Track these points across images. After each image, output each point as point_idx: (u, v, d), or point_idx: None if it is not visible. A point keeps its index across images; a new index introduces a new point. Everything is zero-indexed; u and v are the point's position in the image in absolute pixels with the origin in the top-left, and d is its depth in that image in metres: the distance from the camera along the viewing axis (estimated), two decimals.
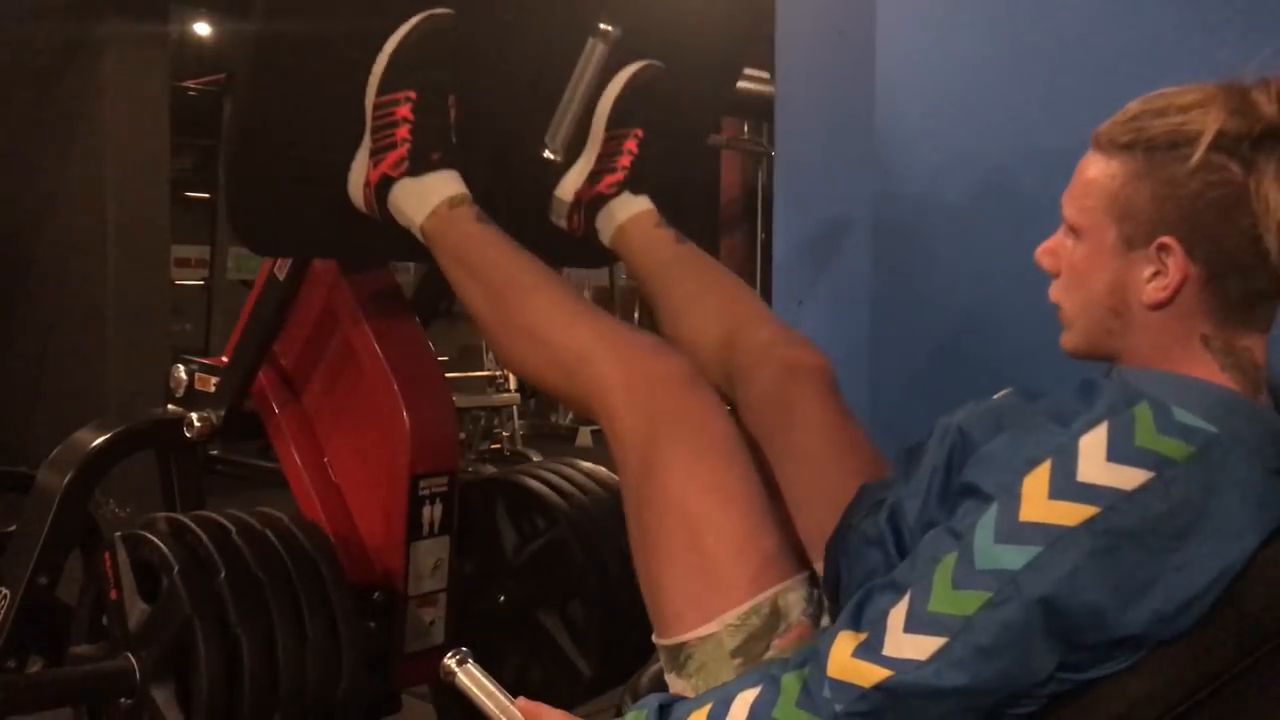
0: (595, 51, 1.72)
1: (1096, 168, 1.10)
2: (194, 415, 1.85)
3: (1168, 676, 1.00)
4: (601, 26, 1.71)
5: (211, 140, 6.33)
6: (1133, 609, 0.98)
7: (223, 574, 1.50)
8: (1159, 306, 1.07)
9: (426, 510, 1.77)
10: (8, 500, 1.95)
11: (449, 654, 1.29)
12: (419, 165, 1.54)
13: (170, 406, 1.94)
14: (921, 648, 0.99)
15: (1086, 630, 0.99)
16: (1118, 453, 0.99)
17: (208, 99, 6.46)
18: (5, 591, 1.74)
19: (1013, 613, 0.97)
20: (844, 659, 1.02)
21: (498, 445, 7.29)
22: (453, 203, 1.53)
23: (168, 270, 5.83)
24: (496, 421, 7.37)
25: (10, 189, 5.60)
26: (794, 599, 1.20)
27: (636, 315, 8.01)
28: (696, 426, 1.26)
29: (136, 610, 1.54)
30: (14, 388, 5.61)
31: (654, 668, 1.45)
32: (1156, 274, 1.06)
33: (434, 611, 1.83)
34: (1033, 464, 1.01)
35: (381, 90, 1.55)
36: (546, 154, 1.77)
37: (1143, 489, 0.98)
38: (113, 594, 1.56)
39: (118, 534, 1.59)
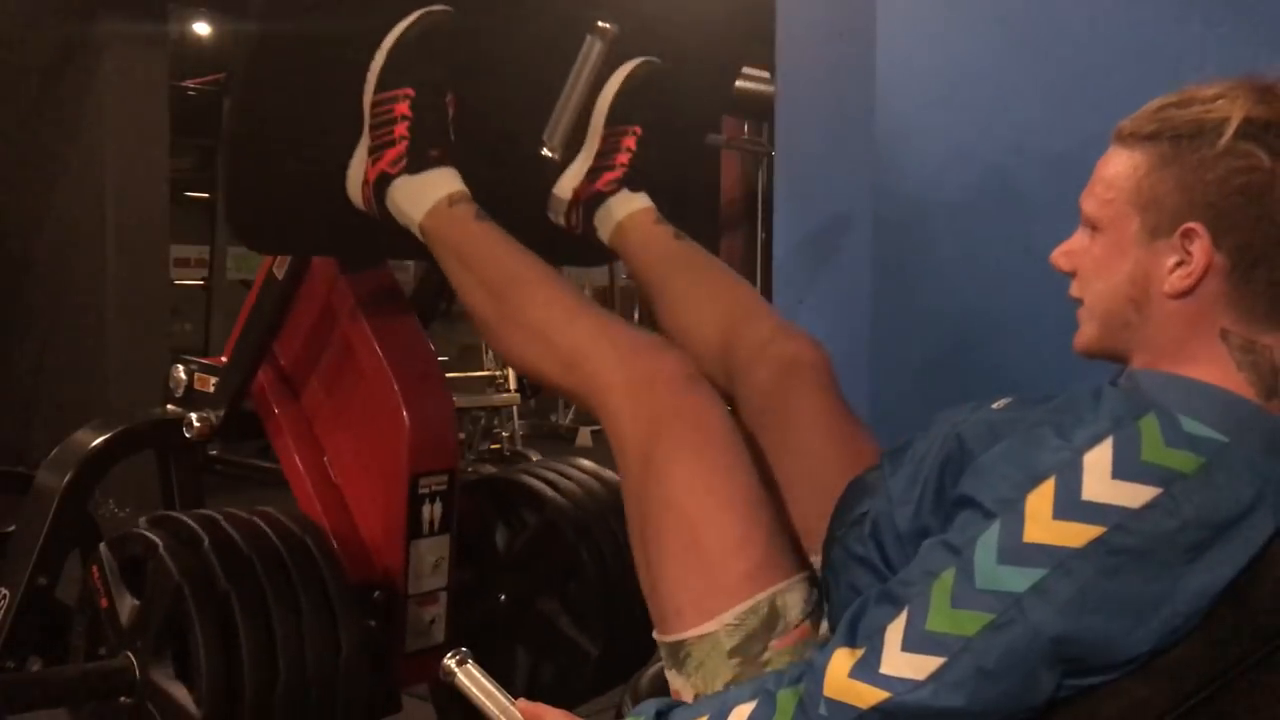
0: (593, 49, 1.71)
1: (1119, 161, 1.09)
2: (193, 415, 1.85)
3: (1169, 678, 0.99)
4: (599, 24, 1.70)
5: (211, 140, 6.33)
6: (1141, 629, 0.97)
7: (206, 542, 1.50)
8: (1181, 296, 1.05)
9: (426, 509, 1.77)
10: (8, 500, 1.94)
11: (449, 654, 1.28)
12: (417, 163, 1.53)
13: (170, 406, 1.94)
14: (919, 667, 0.98)
15: (1093, 656, 0.98)
16: (1124, 469, 0.98)
17: (208, 99, 6.46)
18: (4, 592, 1.74)
19: (1016, 636, 0.96)
20: (841, 678, 1.00)
21: (498, 445, 7.29)
22: (452, 199, 1.53)
23: (167, 270, 5.83)
24: (496, 421, 7.36)
25: (10, 189, 5.60)
26: (792, 599, 1.20)
27: (636, 314, 8.01)
28: (696, 425, 1.25)
29: (127, 607, 1.53)
30: (13, 388, 5.61)
31: (654, 668, 1.45)
32: (1180, 263, 1.05)
33: (434, 610, 1.83)
34: (1036, 480, 0.99)
35: (379, 88, 1.55)
36: (545, 152, 1.76)
37: (1150, 506, 0.96)
38: (103, 603, 1.56)
39: (102, 543, 1.59)
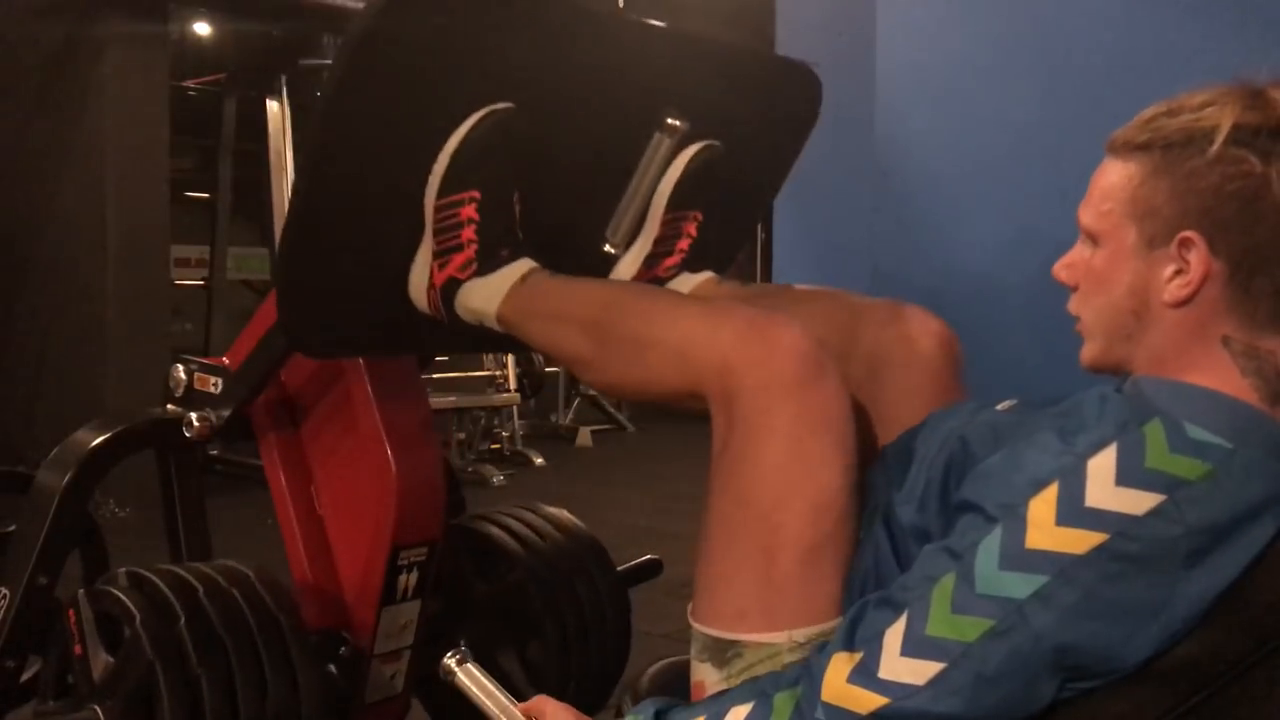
0: (662, 145, 1.66)
1: (1113, 172, 1.09)
2: (193, 415, 1.84)
3: (1169, 679, 1.00)
4: (669, 121, 1.65)
5: (211, 140, 6.33)
6: (1142, 635, 0.97)
7: (183, 621, 1.50)
8: (1181, 304, 1.05)
9: (403, 578, 1.75)
10: (8, 500, 1.94)
11: (449, 654, 1.28)
12: (488, 265, 1.46)
13: (170, 406, 1.94)
14: (918, 672, 0.98)
15: (1094, 664, 0.98)
16: (1127, 476, 0.98)
17: (208, 99, 6.46)
18: (4, 591, 1.74)
19: (1017, 643, 0.96)
20: (839, 684, 1.00)
21: (497, 445, 7.28)
22: (526, 278, 1.46)
23: (168, 270, 5.83)
24: (496, 421, 7.35)
25: (10, 189, 5.60)
26: None
27: None
28: (813, 422, 1.14)
29: (100, 662, 1.54)
30: (14, 388, 5.61)
31: (654, 667, 1.44)
32: (1178, 272, 1.05)
33: (397, 666, 1.82)
34: (1038, 486, 0.99)
35: (443, 191, 1.47)
36: (607, 248, 1.70)
37: (1153, 513, 0.96)
38: (77, 649, 1.56)
39: (80, 591, 1.59)
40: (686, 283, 1.66)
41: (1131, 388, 1.09)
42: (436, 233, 1.49)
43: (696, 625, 1.19)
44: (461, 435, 6.94)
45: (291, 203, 1.45)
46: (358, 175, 1.45)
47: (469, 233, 1.46)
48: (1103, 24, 1.81)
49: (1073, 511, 0.97)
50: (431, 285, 1.50)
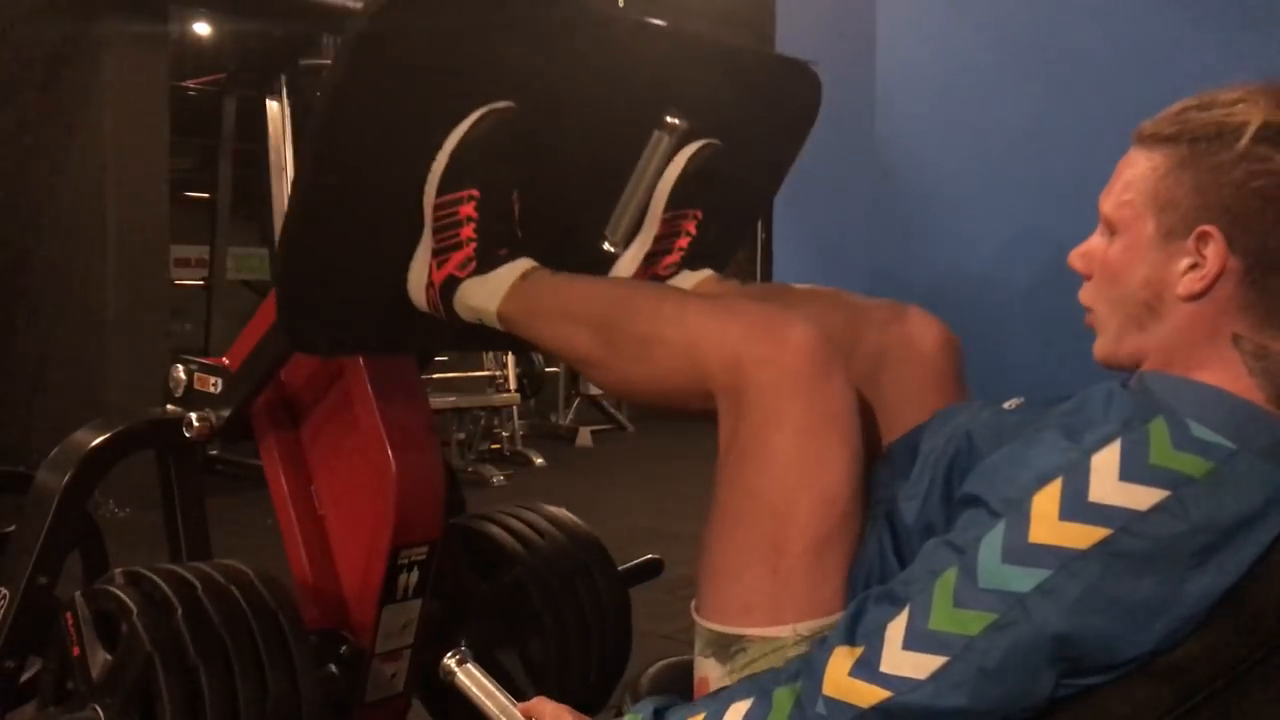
0: (660, 144, 1.66)
1: (1138, 163, 1.09)
2: (193, 415, 1.84)
3: (1170, 678, 1.00)
4: (667, 119, 1.65)
5: (211, 140, 6.33)
6: (1144, 631, 0.97)
7: (180, 613, 1.50)
8: (1194, 298, 1.05)
9: (403, 577, 1.75)
10: (8, 500, 1.94)
11: (449, 654, 1.28)
12: (486, 264, 1.46)
13: (170, 406, 1.94)
14: (920, 666, 0.98)
15: (1094, 656, 0.98)
16: (1131, 471, 0.97)
17: (208, 99, 6.46)
18: (4, 592, 1.74)
19: (1019, 636, 0.96)
20: (840, 677, 1.00)
21: (497, 445, 7.29)
22: (526, 275, 1.45)
23: (167, 270, 5.84)
24: (496, 421, 7.36)
25: (10, 189, 5.60)
26: None
27: None
28: (822, 418, 1.14)
29: (99, 661, 1.54)
30: (14, 388, 5.61)
31: (655, 667, 1.44)
32: (1194, 265, 1.04)
33: (397, 665, 1.82)
34: (1043, 481, 0.99)
35: (443, 190, 1.47)
36: (607, 246, 1.70)
37: (1157, 509, 0.96)
38: (75, 650, 1.56)
39: (77, 593, 1.59)
40: (686, 281, 1.66)
41: (1137, 384, 1.09)
42: (436, 231, 1.48)
43: (701, 621, 1.19)
44: (461, 435, 6.94)
45: (291, 200, 1.45)
46: (357, 173, 1.45)
47: (468, 231, 1.46)
48: (1102, 24, 1.81)
49: (1076, 506, 0.97)
50: (430, 283, 1.50)
